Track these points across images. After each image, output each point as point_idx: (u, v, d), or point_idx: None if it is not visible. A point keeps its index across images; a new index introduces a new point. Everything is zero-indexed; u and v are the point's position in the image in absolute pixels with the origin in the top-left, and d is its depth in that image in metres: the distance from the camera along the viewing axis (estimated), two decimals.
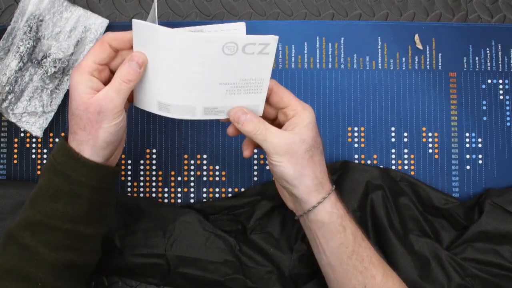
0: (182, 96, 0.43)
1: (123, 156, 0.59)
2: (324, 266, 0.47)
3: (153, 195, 0.59)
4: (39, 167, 0.59)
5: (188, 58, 0.41)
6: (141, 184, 0.59)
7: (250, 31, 0.59)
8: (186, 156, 0.59)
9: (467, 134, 0.59)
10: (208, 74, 0.42)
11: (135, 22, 0.40)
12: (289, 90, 0.46)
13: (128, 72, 0.41)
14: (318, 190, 0.44)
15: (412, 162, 0.59)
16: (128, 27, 0.58)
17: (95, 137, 0.41)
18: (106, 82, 0.42)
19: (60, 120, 0.59)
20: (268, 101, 0.46)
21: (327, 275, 0.47)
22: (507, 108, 0.60)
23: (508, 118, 0.60)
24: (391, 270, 0.47)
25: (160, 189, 0.59)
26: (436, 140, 0.59)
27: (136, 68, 0.41)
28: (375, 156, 0.59)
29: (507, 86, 0.60)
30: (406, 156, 0.59)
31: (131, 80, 0.41)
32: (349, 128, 0.59)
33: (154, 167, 0.59)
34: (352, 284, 0.45)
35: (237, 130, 0.46)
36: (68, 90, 0.59)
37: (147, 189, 0.59)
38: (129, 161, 0.59)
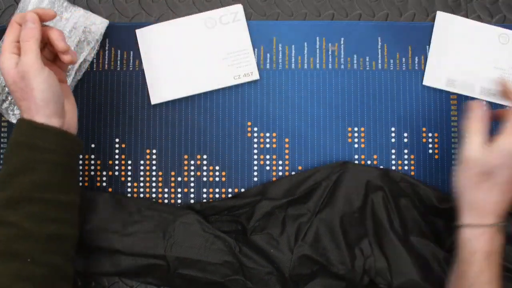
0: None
1: (123, 156, 0.59)
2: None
3: (153, 195, 0.59)
4: None
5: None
6: (141, 184, 0.59)
7: (250, 31, 0.59)
8: (186, 157, 0.59)
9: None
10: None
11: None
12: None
13: (26, 32, 0.45)
14: (473, 215, 0.47)
15: (412, 162, 0.59)
16: (128, 27, 0.59)
17: (33, 99, 0.44)
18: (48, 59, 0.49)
19: None
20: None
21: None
22: (507, 108, 0.59)
23: None
24: None
25: (160, 190, 0.59)
26: (436, 140, 0.59)
27: (31, 25, 0.45)
28: (375, 156, 0.59)
29: None
30: (406, 156, 0.59)
31: (31, 36, 0.45)
32: (349, 128, 0.59)
33: (154, 168, 0.59)
34: None
35: None
36: None
37: (147, 190, 0.59)
38: (129, 162, 0.59)
